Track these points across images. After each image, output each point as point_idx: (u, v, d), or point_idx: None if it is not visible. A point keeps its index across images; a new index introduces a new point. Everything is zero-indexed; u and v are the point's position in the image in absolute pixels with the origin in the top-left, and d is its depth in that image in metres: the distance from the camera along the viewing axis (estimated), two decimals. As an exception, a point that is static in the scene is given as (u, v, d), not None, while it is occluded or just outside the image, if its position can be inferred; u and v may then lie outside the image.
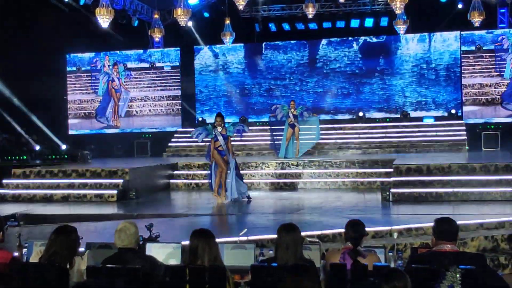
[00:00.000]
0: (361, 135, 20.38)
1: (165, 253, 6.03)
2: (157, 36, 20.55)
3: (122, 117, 23.06)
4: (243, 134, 13.75)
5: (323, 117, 21.06)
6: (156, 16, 20.24)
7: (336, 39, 22.51)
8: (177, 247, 6.08)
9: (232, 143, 13.29)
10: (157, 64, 22.83)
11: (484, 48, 20.28)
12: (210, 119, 22.81)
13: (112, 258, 5.21)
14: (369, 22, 22.01)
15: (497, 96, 20.10)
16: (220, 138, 12.96)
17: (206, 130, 13.38)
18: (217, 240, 5.19)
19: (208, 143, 13.86)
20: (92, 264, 5.17)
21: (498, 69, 20.16)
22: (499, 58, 20.14)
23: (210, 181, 13.59)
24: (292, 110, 17.27)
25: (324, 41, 22.60)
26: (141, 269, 4.83)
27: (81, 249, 5.90)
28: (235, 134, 13.25)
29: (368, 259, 5.19)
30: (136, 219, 10.17)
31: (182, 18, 17.64)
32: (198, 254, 4.91)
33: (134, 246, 5.35)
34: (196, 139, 13.73)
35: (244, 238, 7.53)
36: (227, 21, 20.30)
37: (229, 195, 13.13)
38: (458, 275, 4.02)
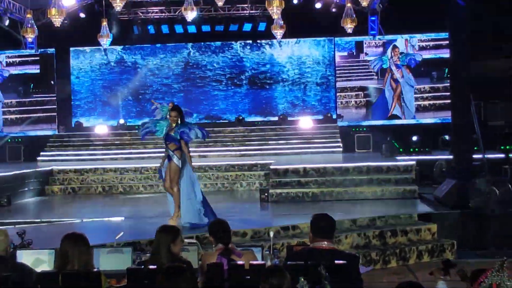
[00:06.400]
0: (240, 138, 20.57)
1: (37, 260, 5.84)
2: (30, 36, 19.74)
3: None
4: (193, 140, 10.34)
5: (204, 121, 21.27)
6: (28, 15, 19.44)
7: (216, 42, 22.61)
8: (50, 253, 5.90)
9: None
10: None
11: (355, 53, 21.13)
12: (87, 123, 22.26)
13: (-21, 268, 4.96)
14: (247, 27, 22.27)
15: (368, 99, 21.03)
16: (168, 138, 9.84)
17: (154, 125, 10.01)
18: (93, 244, 5.08)
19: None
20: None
21: (369, 74, 21.06)
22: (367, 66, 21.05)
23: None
24: None
25: (202, 44, 22.66)
26: (10, 278, 4.63)
27: None
28: (178, 137, 9.73)
29: (245, 258, 5.24)
30: (8, 226, 9.74)
31: (57, 18, 17.04)
32: (68, 259, 4.79)
33: (4, 253, 5.14)
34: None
35: (121, 242, 7.42)
36: (104, 23, 19.83)
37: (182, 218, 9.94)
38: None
